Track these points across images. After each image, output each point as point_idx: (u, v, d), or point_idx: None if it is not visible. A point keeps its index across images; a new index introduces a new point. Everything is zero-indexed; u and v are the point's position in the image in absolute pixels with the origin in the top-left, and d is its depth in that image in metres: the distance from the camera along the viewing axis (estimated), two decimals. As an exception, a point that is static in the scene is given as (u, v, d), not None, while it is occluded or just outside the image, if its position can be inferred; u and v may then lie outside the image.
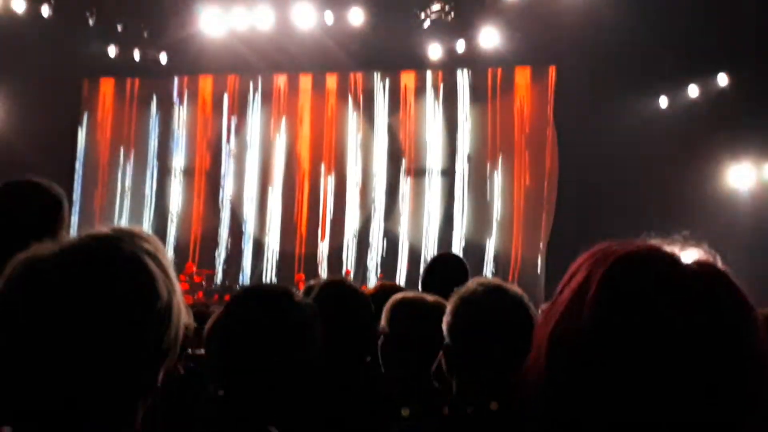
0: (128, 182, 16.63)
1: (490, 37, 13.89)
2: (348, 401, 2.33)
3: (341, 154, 15.84)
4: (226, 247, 16.04)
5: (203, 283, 14.55)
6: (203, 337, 2.64)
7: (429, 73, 15.50)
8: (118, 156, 16.66)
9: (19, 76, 14.38)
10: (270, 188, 16.10)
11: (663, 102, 13.23)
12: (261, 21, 14.04)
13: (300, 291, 2.68)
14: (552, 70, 14.77)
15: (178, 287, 1.23)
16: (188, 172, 16.49)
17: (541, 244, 14.40)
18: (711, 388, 0.83)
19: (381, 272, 15.01)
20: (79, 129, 16.77)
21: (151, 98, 16.62)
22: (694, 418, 0.83)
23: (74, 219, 14.89)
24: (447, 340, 2.10)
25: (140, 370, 1.16)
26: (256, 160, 16.24)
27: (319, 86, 16.07)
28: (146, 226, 15.91)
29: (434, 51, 14.47)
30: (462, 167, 15.33)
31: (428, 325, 2.35)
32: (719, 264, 0.91)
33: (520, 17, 13.26)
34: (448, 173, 15.42)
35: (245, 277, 15.86)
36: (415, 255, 14.99)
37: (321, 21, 13.89)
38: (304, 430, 2.08)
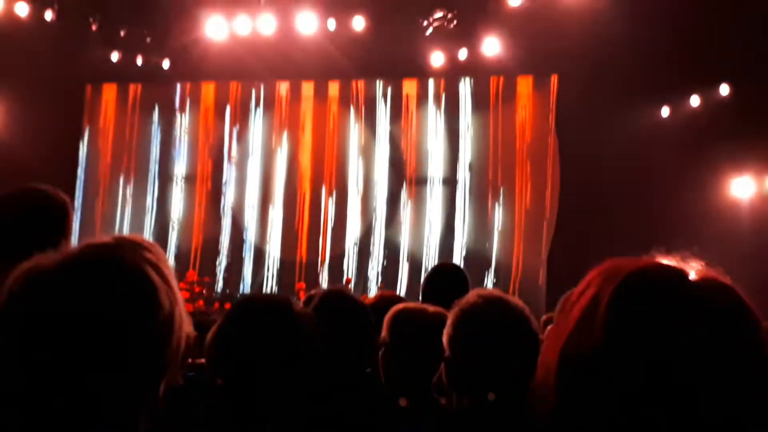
0: (130, 189, 16.59)
1: (492, 46, 13.90)
2: (348, 410, 2.32)
3: (342, 161, 15.80)
4: (227, 255, 16.00)
5: (204, 291, 14.50)
6: (204, 346, 2.64)
7: (431, 81, 15.47)
8: (120, 163, 16.63)
9: (21, 81, 14.34)
10: (271, 196, 16.06)
11: (665, 112, 13.23)
12: (264, 28, 14.06)
13: (301, 300, 2.67)
14: (554, 79, 14.74)
15: (180, 297, 1.23)
16: (190, 179, 16.44)
17: (542, 254, 14.35)
18: (723, 403, 0.83)
19: (381, 282, 14.97)
20: (81, 135, 16.75)
21: (154, 105, 16.59)
22: None
23: (75, 226, 14.79)
24: (447, 352, 2.08)
25: (142, 381, 1.16)
26: (257, 168, 16.19)
27: (321, 93, 16.05)
28: (147, 233, 15.89)
29: (436, 59, 14.47)
30: (463, 176, 15.28)
31: (429, 336, 2.34)
32: (726, 279, 0.91)
33: (522, 26, 13.27)
34: (450, 182, 15.37)
35: (246, 285, 15.79)
36: (416, 264, 14.93)
37: (323, 28, 13.92)
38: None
